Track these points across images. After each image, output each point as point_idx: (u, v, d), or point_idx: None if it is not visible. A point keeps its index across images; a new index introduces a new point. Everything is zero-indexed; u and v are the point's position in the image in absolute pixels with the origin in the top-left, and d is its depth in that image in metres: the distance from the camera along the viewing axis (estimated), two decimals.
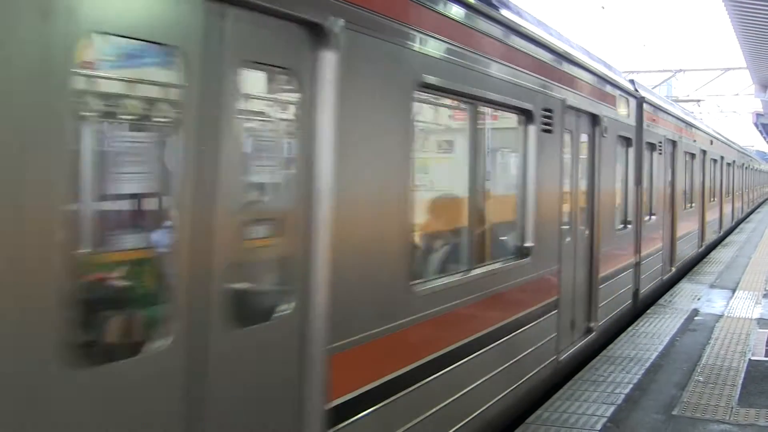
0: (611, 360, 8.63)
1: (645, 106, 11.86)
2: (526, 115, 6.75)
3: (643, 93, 11.93)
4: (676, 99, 29.62)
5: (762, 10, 14.06)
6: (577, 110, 8.22)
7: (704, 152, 19.21)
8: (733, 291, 13.70)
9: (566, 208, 8.08)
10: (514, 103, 6.49)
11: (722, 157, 23.95)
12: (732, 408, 6.96)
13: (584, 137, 8.72)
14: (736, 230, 28.45)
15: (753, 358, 8.79)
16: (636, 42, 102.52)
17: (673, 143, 14.65)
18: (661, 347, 9.28)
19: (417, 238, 5.45)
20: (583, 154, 8.74)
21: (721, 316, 11.31)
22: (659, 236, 13.35)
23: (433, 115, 6.47)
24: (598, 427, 6.43)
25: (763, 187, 57.20)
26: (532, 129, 6.82)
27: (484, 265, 6.14)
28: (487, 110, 6.34)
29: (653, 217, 12.72)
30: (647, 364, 8.45)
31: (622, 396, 7.27)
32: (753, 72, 23.35)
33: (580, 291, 8.52)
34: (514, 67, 6.39)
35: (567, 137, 7.95)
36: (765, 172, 57.07)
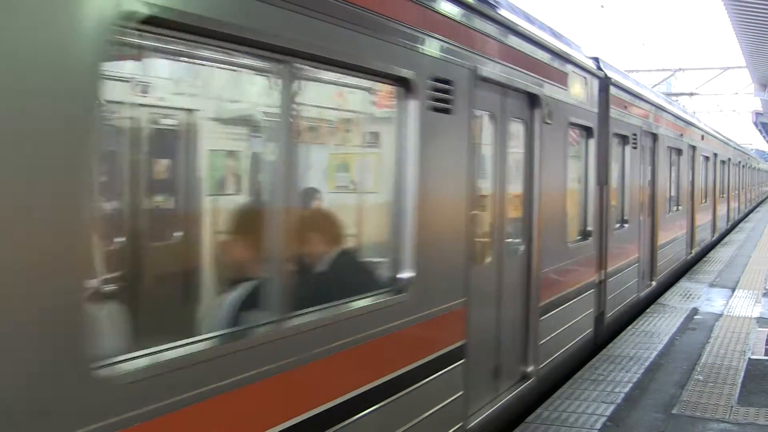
0: (611, 359, 8.63)
1: (612, 89, 9.74)
2: (403, 86, 4.61)
3: (609, 73, 9.75)
4: (668, 93, 29.01)
5: (761, 9, 14.07)
6: (502, 86, 6.14)
7: (693, 148, 17.38)
8: (733, 290, 13.70)
9: (484, 218, 6.09)
10: (373, 66, 4.28)
11: (715, 155, 22.15)
12: (732, 407, 6.96)
13: (516, 123, 6.66)
14: (735, 230, 28.41)
15: (753, 357, 8.78)
16: (635, 41, 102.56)
17: (653, 136, 12.63)
18: (660, 346, 9.28)
19: (136, 278, 3.64)
20: (517, 145, 6.73)
21: (720, 315, 11.31)
22: (634, 246, 11.33)
23: (189, 74, 4.28)
24: (598, 426, 6.43)
25: (762, 186, 56.89)
26: (414, 106, 4.64)
27: (310, 313, 3.82)
28: (325, 76, 4.26)
29: (626, 225, 10.73)
30: (647, 363, 8.45)
31: (622, 395, 7.27)
32: (752, 71, 23.37)
33: (509, 327, 6.44)
34: (371, 11, 4.22)
35: (482, 121, 5.93)
36: (764, 171, 56.80)
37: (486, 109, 5.96)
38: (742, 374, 8.02)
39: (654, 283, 12.85)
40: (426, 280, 4.82)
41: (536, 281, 6.91)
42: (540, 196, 6.93)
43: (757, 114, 38.26)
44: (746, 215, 36.54)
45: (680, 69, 33.07)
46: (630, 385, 7.61)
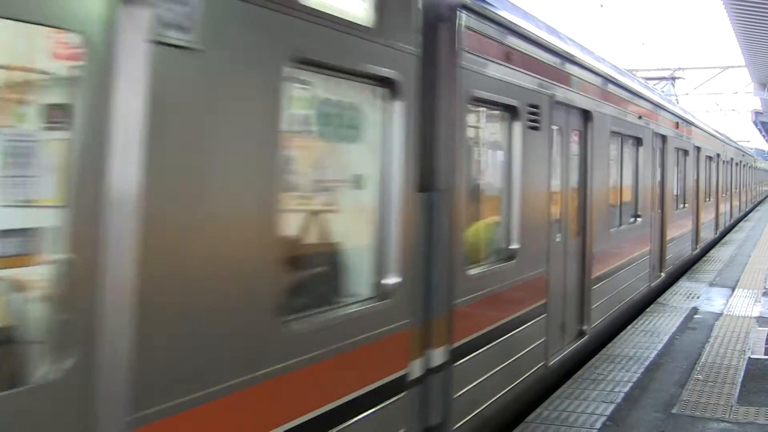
0: (611, 359, 8.63)
1: (466, 19, 5.51)
2: None
3: None
4: (647, 78, 27.31)
5: (761, 9, 14.08)
6: None
7: (663, 138, 13.53)
8: (733, 289, 13.70)
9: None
10: None
11: (698, 148, 17.92)
12: (731, 406, 6.96)
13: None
14: (735, 229, 28.30)
15: (752, 356, 8.79)
16: (635, 40, 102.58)
17: (584, 114, 8.57)
18: (660, 346, 9.28)
19: None
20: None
21: (720, 315, 11.31)
22: (538, 287, 7.09)
23: None
24: (598, 425, 6.43)
25: (760, 186, 56.00)
26: None
27: None
28: None
29: (513, 258, 6.45)
30: (647, 363, 8.45)
31: (622, 394, 7.27)
32: (752, 70, 23.40)
33: None
34: None
35: None
36: (761, 170, 56.10)
37: None
38: (742, 373, 8.02)
39: (586, 336, 8.59)
40: None
41: None
42: (156, 234, 2.89)
43: (757, 113, 38.33)
44: (740, 220, 33.75)
45: (680, 68, 33.11)
46: (630, 384, 7.61)
